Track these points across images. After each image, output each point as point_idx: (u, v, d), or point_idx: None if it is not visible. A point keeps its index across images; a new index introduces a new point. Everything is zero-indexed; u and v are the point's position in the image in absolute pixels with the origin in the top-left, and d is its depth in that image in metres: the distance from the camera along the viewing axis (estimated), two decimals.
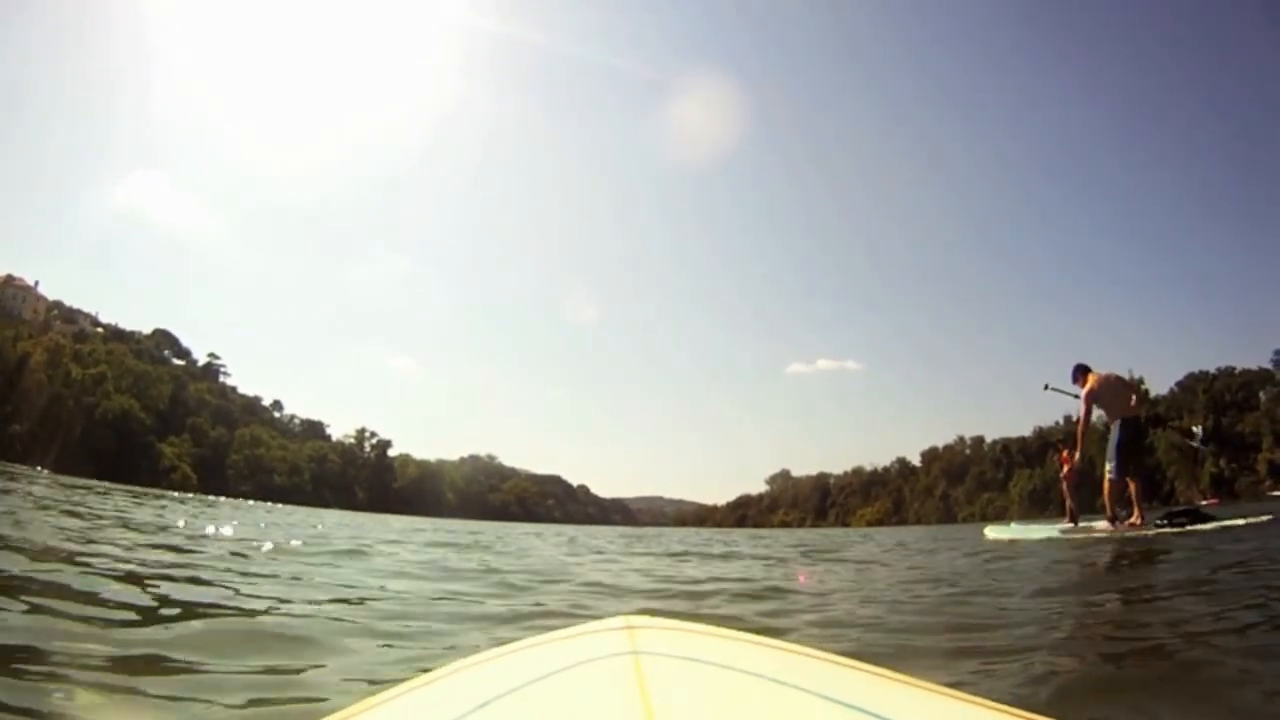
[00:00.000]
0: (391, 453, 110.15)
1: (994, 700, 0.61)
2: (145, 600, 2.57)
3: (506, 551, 7.85)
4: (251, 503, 36.62)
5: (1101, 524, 7.39)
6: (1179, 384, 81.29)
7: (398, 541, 8.48)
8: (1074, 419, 7.99)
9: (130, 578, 3.09)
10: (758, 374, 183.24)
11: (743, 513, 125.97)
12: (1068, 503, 8.74)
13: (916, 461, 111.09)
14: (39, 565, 3.17)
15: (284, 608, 2.75)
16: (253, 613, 2.54)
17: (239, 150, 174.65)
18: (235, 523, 9.75)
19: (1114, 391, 7.28)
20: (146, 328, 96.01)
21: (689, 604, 3.43)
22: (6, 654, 1.68)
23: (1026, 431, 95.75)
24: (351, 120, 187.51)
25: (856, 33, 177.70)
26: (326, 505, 71.35)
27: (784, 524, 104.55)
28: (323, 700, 1.59)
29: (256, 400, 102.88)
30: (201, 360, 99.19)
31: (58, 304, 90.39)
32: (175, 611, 2.42)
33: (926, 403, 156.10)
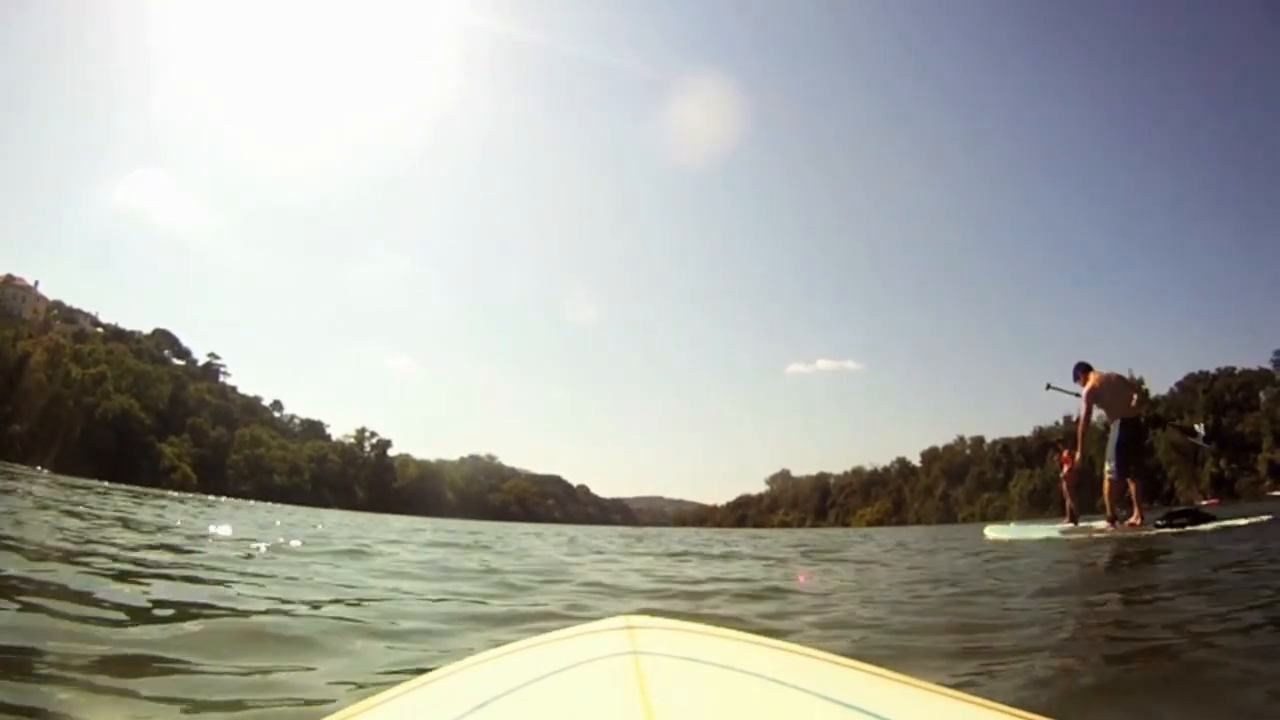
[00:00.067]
0: (391, 453, 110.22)
1: (995, 701, 0.61)
2: (142, 600, 2.56)
3: (506, 552, 7.85)
4: (252, 503, 36.61)
5: (1101, 524, 7.38)
6: (1179, 384, 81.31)
7: (397, 541, 8.48)
8: (1074, 419, 7.99)
9: (128, 577, 3.09)
10: (758, 374, 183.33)
11: (743, 513, 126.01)
12: (1068, 503, 8.74)
13: (916, 461, 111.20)
14: (37, 565, 3.17)
15: (282, 608, 2.75)
16: (250, 613, 2.53)
17: (239, 150, 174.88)
18: (234, 523, 9.75)
19: (1115, 391, 7.27)
20: (146, 328, 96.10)
21: (689, 604, 3.42)
22: (3, 654, 1.67)
23: (1026, 431, 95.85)
24: (351, 120, 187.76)
25: (856, 33, 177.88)
26: (326, 505, 71.34)
27: (784, 524, 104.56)
28: (320, 701, 1.59)
29: (256, 400, 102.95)
30: (201, 360, 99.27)
31: (58, 304, 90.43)
32: (171, 612, 2.41)
33: (926, 403, 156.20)
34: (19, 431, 66.89)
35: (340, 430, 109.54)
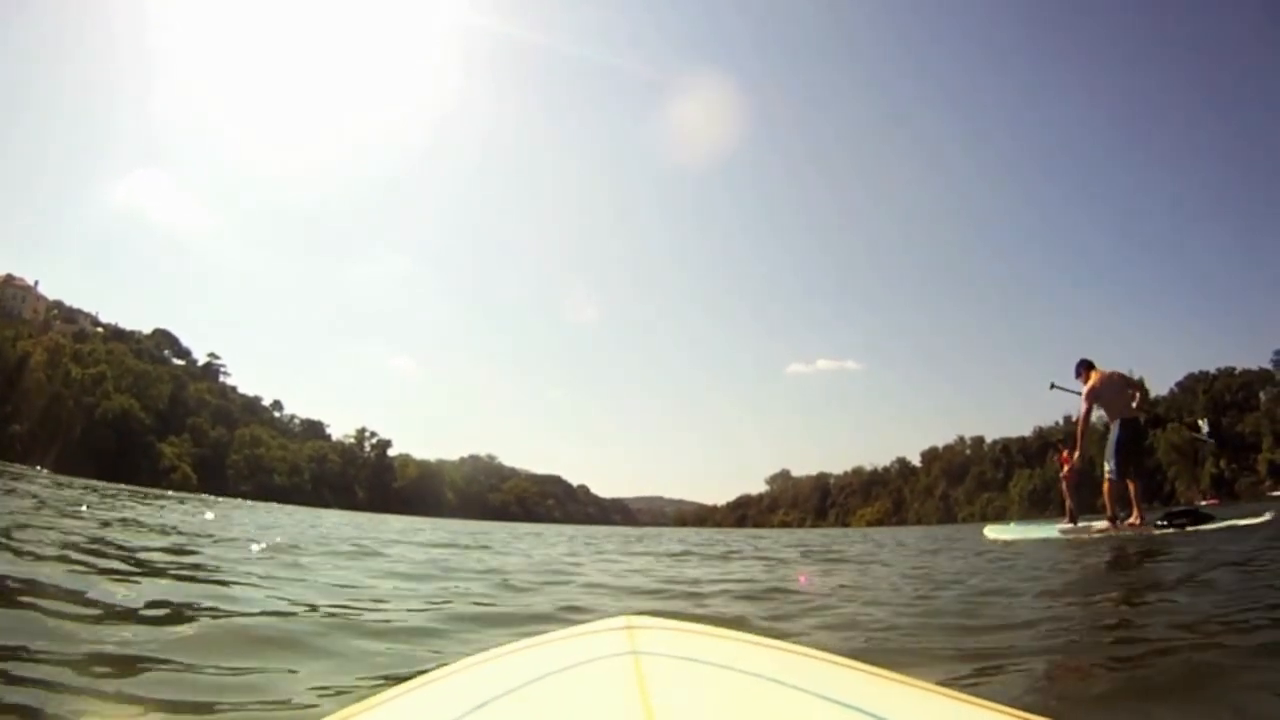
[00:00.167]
0: (391, 453, 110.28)
1: (995, 701, 0.61)
2: (139, 600, 2.56)
3: (506, 552, 7.85)
4: (251, 503, 36.60)
5: (1101, 524, 7.38)
6: (1179, 384, 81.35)
7: (397, 541, 8.48)
8: (1074, 418, 7.99)
9: (125, 577, 3.09)
10: (758, 374, 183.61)
11: (743, 513, 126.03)
12: (1067, 503, 8.73)
13: (916, 461, 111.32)
14: (34, 565, 3.17)
15: (280, 608, 2.75)
16: (248, 613, 2.53)
17: (239, 150, 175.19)
18: (234, 523, 9.75)
19: (1116, 390, 7.26)
20: (146, 328, 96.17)
21: (689, 604, 3.42)
22: None
23: (1026, 431, 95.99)
24: (351, 120, 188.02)
25: (856, 33, 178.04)
26: (326, 505, 71.36)
27: (784, 524, 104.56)
28: (319, 701, 1.58)
29: (256, 400, 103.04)
30: (201, 360, 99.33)
31: (58, 304, 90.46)
32: (167, 612, 2.41)
33: (926, 403, 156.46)
34: (19, 431, 66.87)
35: (340, 430, 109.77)
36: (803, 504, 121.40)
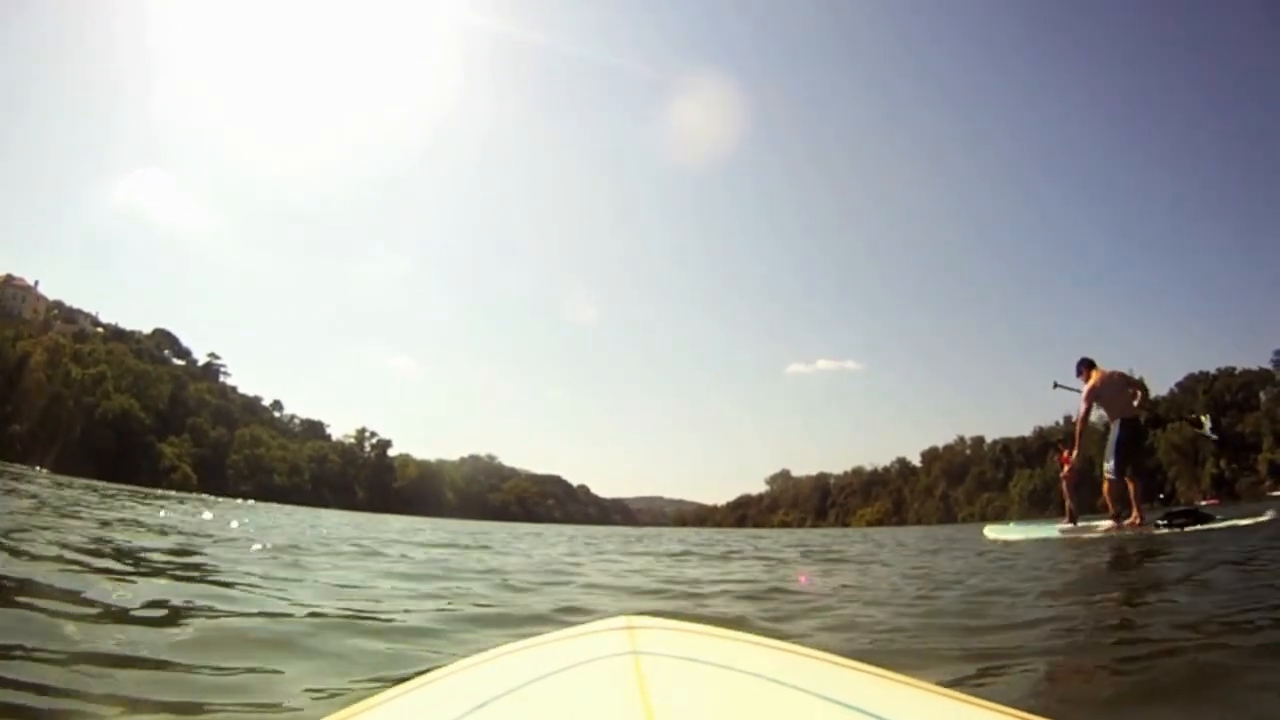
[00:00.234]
0: (391, 453, 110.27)
1: (995, 701, 0.61)
2: (138, 600, 2.56)
3: (506, 552, 7.85)
4: (251, 502, 36.60)
5: (1101, 524, 7.38)
6: (1179, 384, 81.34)
7: (397, 541, 8.47)
8: (1074, 418, 7.99)
9: (123, 578, 3.09)
10: (758, 374, 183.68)
11: (743, 513, 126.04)
12: (1067, 503, 8.72)
13: (916, 462, 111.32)
14: (31, 565, 3.17)
15: (279, 608, 2.74)
16: (246, 614, 2.52)
17: (239, 150, 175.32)
18: (233, 523, 9.75)
19: (1116, 390, 7.26)
20: (147, 328, 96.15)
21: (689, 605, 3.42)
22: None
23: (1026, 431, 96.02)
24: (352, 120, 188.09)
25: (856, 33, 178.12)
26: (326, 505, 71.35)
27: (784, 524, 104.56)
28: (317, 702, 1.58)
29: (256, 400, 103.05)
30: (201, 360, 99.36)
31: (58, 304, 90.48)
32: (164, 612, 2.41)
33: (926, 403, 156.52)
34: (19, 431, 66.88)
35: (340, 430, 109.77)
36: (803, 504, 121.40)
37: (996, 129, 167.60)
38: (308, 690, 1.66)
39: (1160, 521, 7.02)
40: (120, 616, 2.27)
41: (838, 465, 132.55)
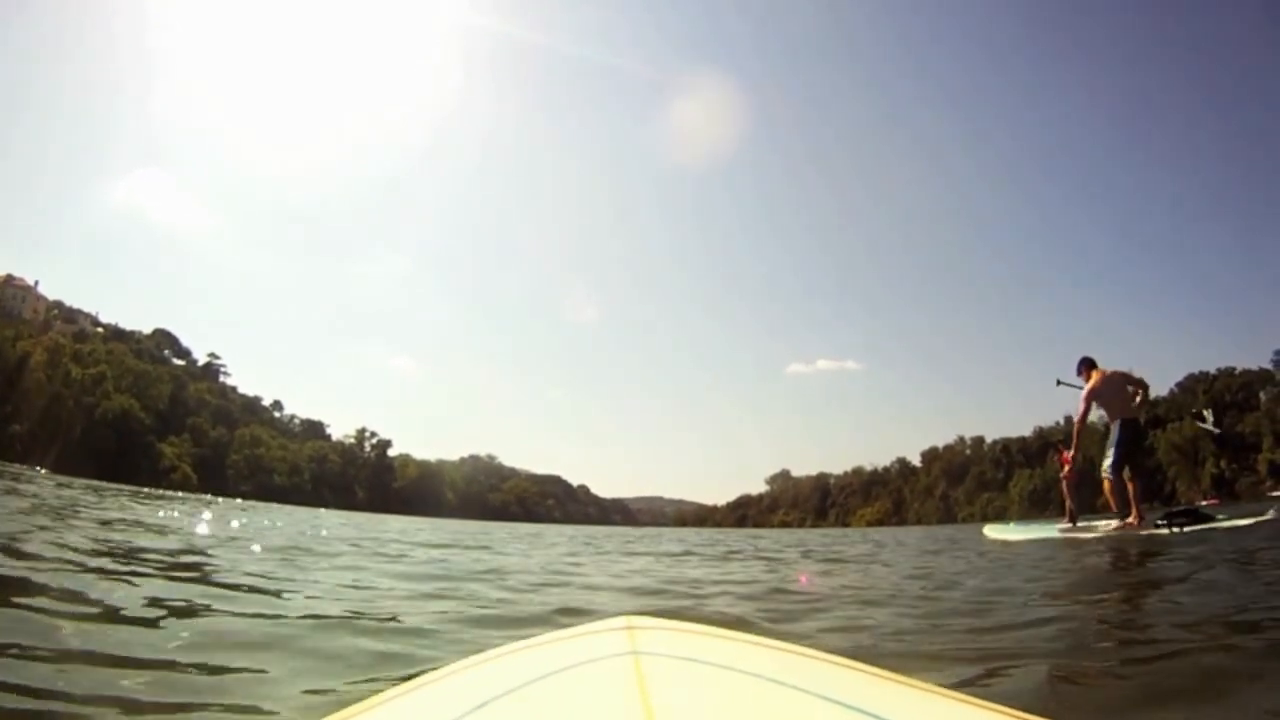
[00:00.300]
0: (391, 453, 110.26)
1: (996, 702, 0.61)
2: (135, 601, 2.55)
3: (506, 552, 7.85)
4: (251, 502, 36.58)
5: (1101, 524, 7.38)
6: (1179, 384, 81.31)
7: (396, 541, 8.47)
8: (1074, 418, 8.00)
9: (121, 578, 3.08)
10: (758, 374, 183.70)
11: (743, 513, 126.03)
12: (1067, 503, 8.73)
13: (917, 462, 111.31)
14: (30, 565, 3.16)
15: (277, 608, 2.74)
16: (244, 614, 2.52)
17: (239, 150, 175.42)
18: (233, 523, 9.75)
19: (1116, 390, 7.25)
20: (146, 328, 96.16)
21: (690, 605, 3.42)
22: None
23: (1027, 431, 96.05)
24: (352, 120, 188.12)
25: (856, 33, 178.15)
26: (326, 505, 71.32)
27: (784, 524, 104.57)
28: (316, 702, 1.58)
29: (256, 400, 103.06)
30: (201, 360, 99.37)
31: (58, 304, 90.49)
32: (162, 613, 2.40)
33: (926, 403, 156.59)
34: (19, 431, 66.88)
35: (340, 430, 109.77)
36: (803, 504, 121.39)
37: (996, 129, 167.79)
38: (307, 691, 1.66)
39: (1160, 521, 7.02)
40: (117, 617, 2.27)
41: (838, 465, 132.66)
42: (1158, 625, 2.35)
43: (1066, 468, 9.50)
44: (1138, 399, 7.23)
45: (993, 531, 9.28)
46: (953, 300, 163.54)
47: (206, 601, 2.71)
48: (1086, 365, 7.48)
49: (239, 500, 41.08)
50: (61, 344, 77.54)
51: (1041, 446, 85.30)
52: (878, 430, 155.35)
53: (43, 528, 5.06)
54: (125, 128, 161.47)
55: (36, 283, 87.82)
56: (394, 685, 0.76)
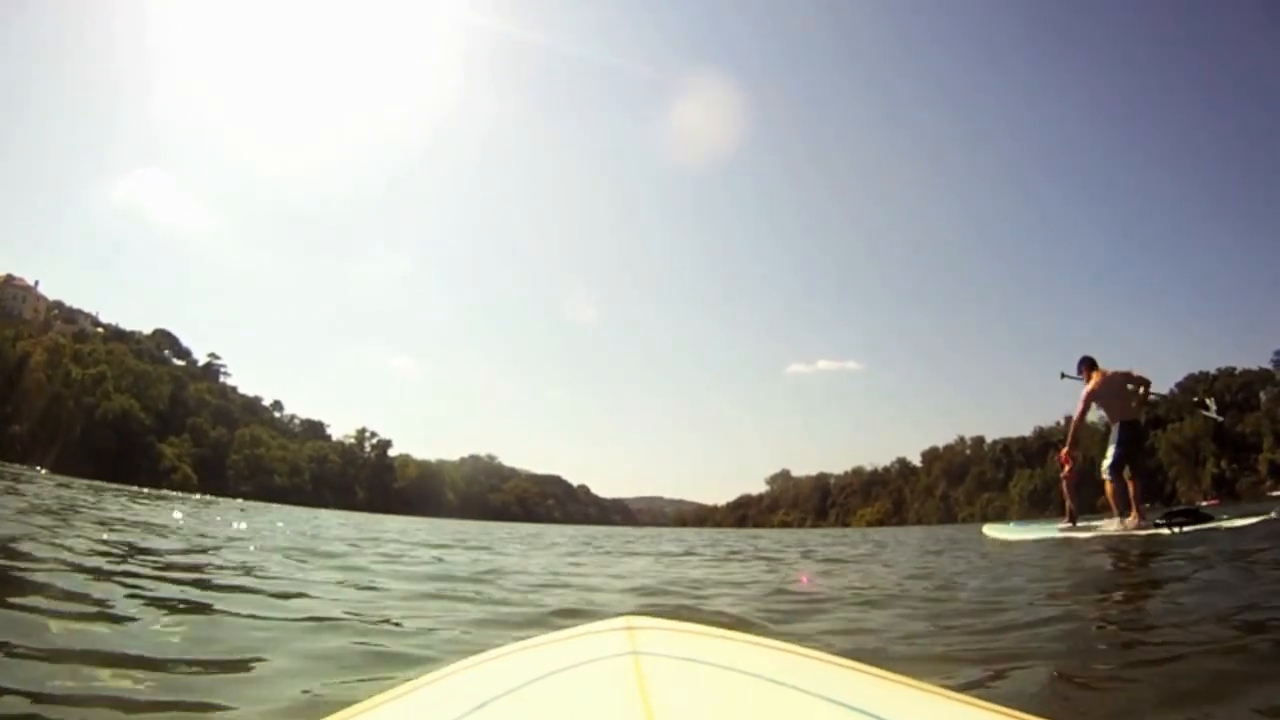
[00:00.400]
0: (392, 453, 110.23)
1: (996, 703, 0.61)
2: (132, 600, 2.55)
3: (506, 552, 7.84)
4: (251, 503, 36.59)
5: (1101, 524, 7.38)
6: (1179, 384, 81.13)
7: (396, 541, 8.47)
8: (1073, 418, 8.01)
9: (119, 578, 3.08)
10: (758, 374, 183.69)
11: (743, 513, 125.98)
12: (1068, 503, 8.72)
13: (917, 462, 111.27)
14: (28, 565, 3.16)
15: (275, 609, 2.74)
16: (242, 614, 2.52)
17: (239, 150, 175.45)
18: (232, 523, 9.75)
19: (1116, 392, 7.25)
20: (147, 328, 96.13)
21: (690, 605, 3.42)
22: None
23: (1027, 431, 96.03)
24: (352, 120, 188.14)
25: (856, 33, 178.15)
26: (327, 505, 71.36)
27: (784, 524, 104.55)
28: (315, 703, 1.58)
29: (257, 400, 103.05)
30: (202, 360, 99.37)
31: (58, 304, 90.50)
32: (160, 613, 2.41)
33: (927, 403, 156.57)
34: (19, 432, 66.88)
35: (340, 430, 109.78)
36: (803, 504, 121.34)
37: (996, 129, 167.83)
38: (306, 691, 1.65)
39: (1160, 521, 7.01)
40: (116, 617, 2.27)
41: (838, 465, 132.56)
42: (1161, 626, 2.34)
43: (1066, 468, 9.50)
44: (1141, 392, 7.23)
45: (992, 531, 9.28)
46: (953, 300, 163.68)
47: (205, 602, 2.71)
48: (1087, 365, 7.47)
49: (239, 500, 41.08)
50: (61, 344, 77.53)
51: (1042, 446, 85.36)
52: (878, 430, 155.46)
53: (41, 528, 5.05)
54: (125, 128, 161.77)
55: (36, 283, 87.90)
56: (394, 685, 0.76)
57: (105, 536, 5.03)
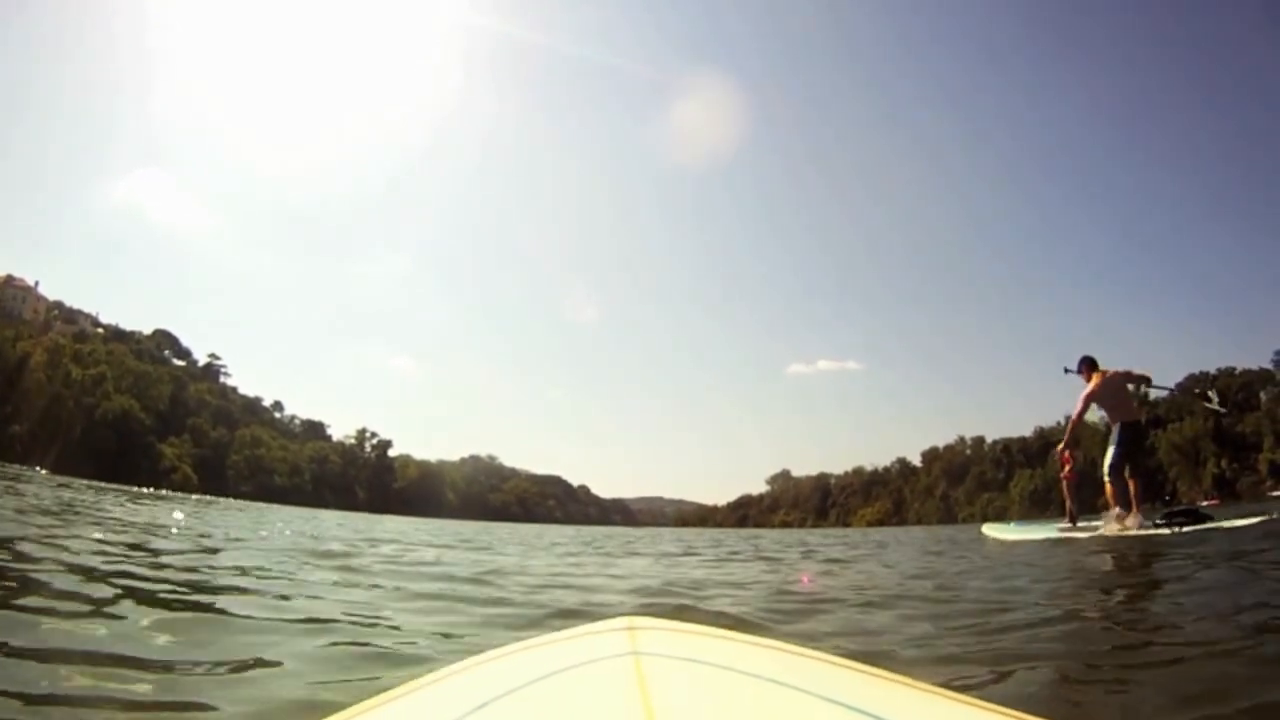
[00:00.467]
0: (392, 453, 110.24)
1: (996, 703, 0.61)
2: (130, 601, 2.56)
3: (506, 552, 7.84)
4: (251, 503, 36.59)
5: (1101, 524, 7.38)
6: (1179, 385, 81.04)
7: (396, 542, 8.47)
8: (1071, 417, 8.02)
9: (117, 578, 3.08)
10: (758, 374, 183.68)
11: (743, 513, 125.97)
12: (1068, 503, 8.73)
13: (917, 462, 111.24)
14: (25, 566, 3.16)
15: (273, 609, 2.74)
16: (240, 614, 2.52)
17: (239, 150, 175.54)
18: (232, 523, 9.75)
19: (1116, 393, 7.26)
20: (147, 328, 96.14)
21: (691, 605, 3.42)
22: None
23: (1027, 431, 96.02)
24: (352, 120, 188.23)
25: (856, 33, 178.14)
26: (327, 506, 71.37)
27: (785, 524, 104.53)
28: (314, 704, 1.58)
29: (257, 401, 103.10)
30: (202, 360, 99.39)
31: (58, 304, 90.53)
32: (158, 613, 2.41)
33: (927, 403, 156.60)
34: (19, 432, 66.90)
35: (341, 431, 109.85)
36: (803, 504, 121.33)
37: (996, 129, 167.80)
38: (306, 691, 1.65)
39: (1160, 522, 7.01)
40: (114, 618, 2.26)
41: (838, 465, 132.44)
42: (1163, 627, 2.34)
43: (1067, 468, 9.51)
44: (1141, 391, 7.24)
45: (992, 531, 9.28)
46: (953, 300, 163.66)
47: (205, 602, 2.71)
48: (1088, 365, 7.48)
49: (240, 501, 41.07)
50: (61, 344, 77.54)
51: (1042, 446, 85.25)
52: (878, 430, 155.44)
53: (40, 528, 5.06)
54: (125, 128, 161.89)
55: (37, 283, 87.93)
56: (394, 685, 0.76)
57: (104, 537, 5.03)
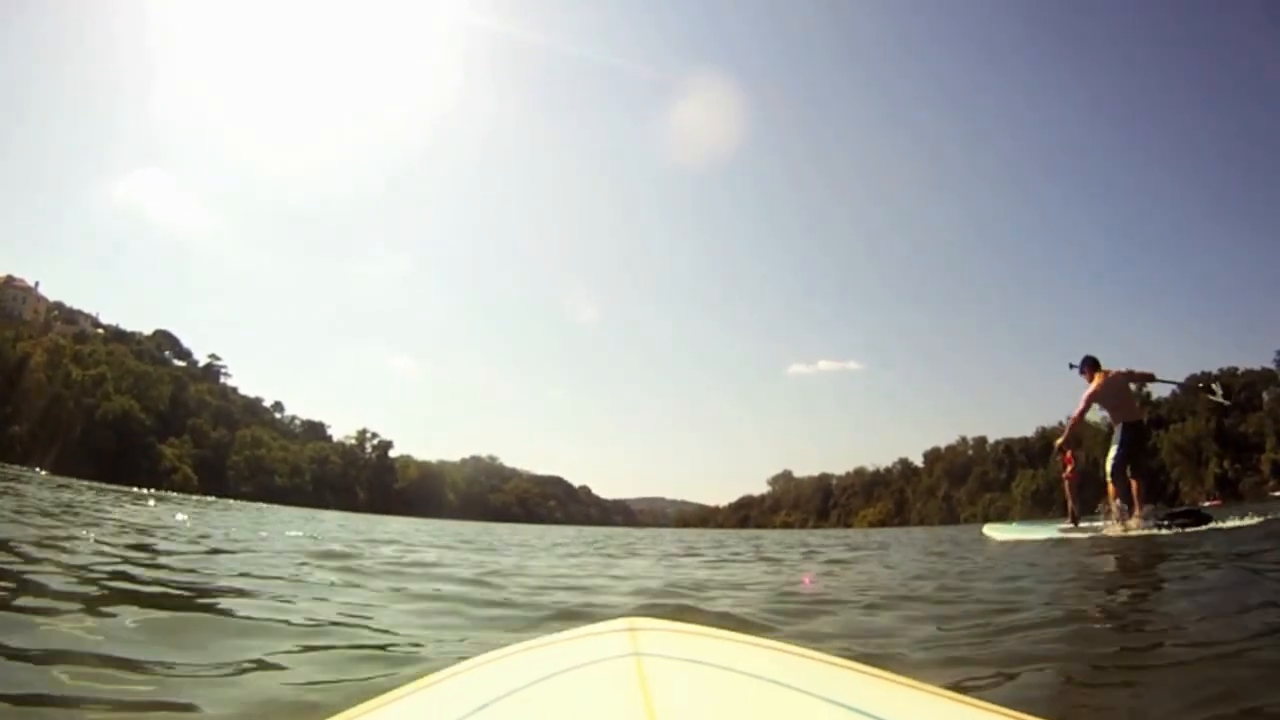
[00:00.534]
0: (393, 453, 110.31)
1: (996, 704, 0.61)
2: (129, 601, 2.55)
3: (507, 553, 7.84)
4: (251, 504, 36.59)
5: (1103, 524, 7.37)
6: (1183, 384, 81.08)
7: (397, 542, 8.46)
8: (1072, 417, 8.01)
9: (115, 579, 3.08)
10: (758, 374, 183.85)
11: (745, 514, 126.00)
12: (1070, 504, 8.72)
13: (919, 462, 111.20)
14: (24, 566, 3.16)
15: (272, 609, 2.73)
16: (239, 615, 2.51)
17: (239, 150, 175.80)
18: (231, 524, 9.74)
19: (1118, 393, 7.25)
20: (147, 328, 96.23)
21: (692, 606, 3.41)
22: None
23: (1029, 432, 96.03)
24: (352, 120, 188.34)
25: (856, 33, 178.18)
26: (327, 506, 71.37)
27: (786, 525, 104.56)
28: (313, 704, 1.57)
29: (257, 401, 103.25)
30: (202, 361, 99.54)
31: (58, 305, 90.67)
32: (157, 613, 2.40)
33: (928, 403, 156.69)
34: (19, 432, 66.97)
35: (341, 431, 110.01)
36: (805, 505, 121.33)
37: (996, 129, 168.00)
38: (306, 692, 1.65)
39: (1162, 522, 7.01)
40: (112, 618, 2.26)
41: (840, 466, 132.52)
42: (1166, 628, 2.34)
43: (1069, 468, 9.49)
44: (1144, 387, 7.24)
45: (994, 531, 9.27)
46: (953, 300, 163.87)
47: (204, 603, 2.70)
48: (1090, 365, 7.47)
49: (240, 501, 41.10)
50: (62, 345, 77.61)
51: (1044, 446, 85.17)
52: (879, 431, 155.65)
53: (39, 529, 5.05)
54: (125, 128, 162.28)
55: (37, 283, 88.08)
56: (395, 686, 0.76)
57: (103, 537, 5.02)
